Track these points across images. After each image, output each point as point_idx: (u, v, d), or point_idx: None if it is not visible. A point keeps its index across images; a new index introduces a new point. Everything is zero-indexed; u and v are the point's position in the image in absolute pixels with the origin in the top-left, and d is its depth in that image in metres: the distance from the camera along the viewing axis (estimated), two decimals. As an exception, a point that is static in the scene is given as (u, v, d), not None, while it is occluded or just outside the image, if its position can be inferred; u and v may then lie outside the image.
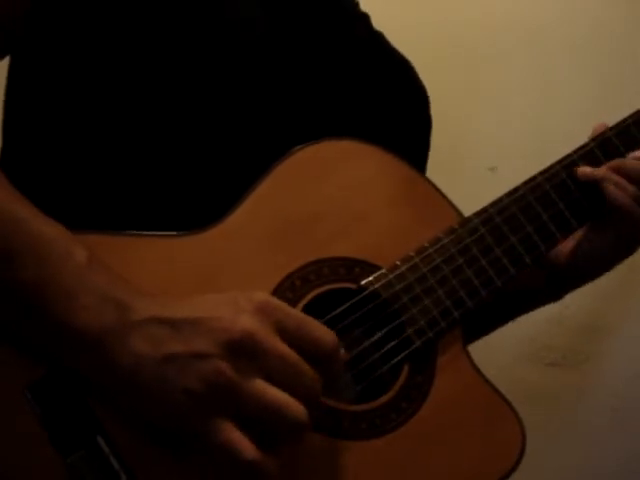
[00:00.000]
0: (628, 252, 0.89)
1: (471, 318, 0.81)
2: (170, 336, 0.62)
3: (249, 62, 0.80)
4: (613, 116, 0.89)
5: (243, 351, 0.62)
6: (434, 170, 0.95)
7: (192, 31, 0.78)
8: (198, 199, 0.77)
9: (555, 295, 0.98)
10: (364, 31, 0.95)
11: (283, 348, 0.63)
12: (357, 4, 0.97)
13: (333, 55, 0.87)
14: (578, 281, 0.94)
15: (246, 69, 0.80)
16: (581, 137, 0.90)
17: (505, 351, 1.53)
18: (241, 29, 0.81)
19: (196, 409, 0.61)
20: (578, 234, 0.88)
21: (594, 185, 0.85)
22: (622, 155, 0.87)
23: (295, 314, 0.66)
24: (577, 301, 1.54)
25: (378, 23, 0.98)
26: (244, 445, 0.61)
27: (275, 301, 0.65)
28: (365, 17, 0.97)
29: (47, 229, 0.64)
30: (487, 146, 1.55)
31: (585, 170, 0.85)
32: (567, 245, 0.89)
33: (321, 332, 0.66)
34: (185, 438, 0.64)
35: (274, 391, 0.62)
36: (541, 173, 0.85)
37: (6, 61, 0.83)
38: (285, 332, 0.64)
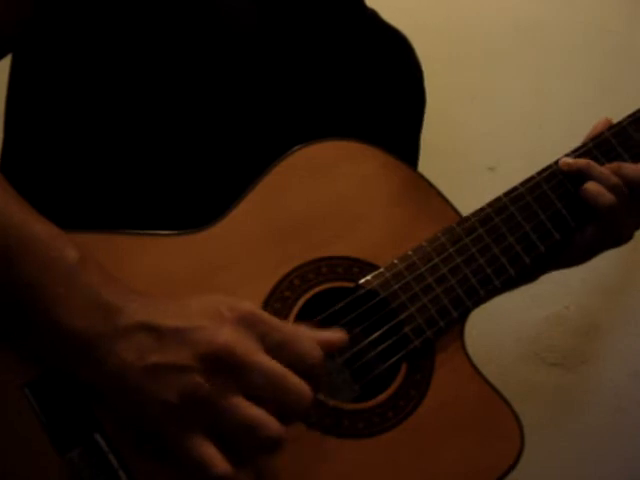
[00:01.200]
0: (614, 245, 0.89)
1: None
2: (153, 346, 0.62)
3: (247, 60, 0.80)
4: (613, 116, 0.89)
5: (222, 365, 0.61)
6: (434, 170, 0.95)
7: (190, 31, 0.78)
8: (197, 198, 0.77)
9: (532, 278, 0.97)
10: (358, 13, 0.94)
11: (265, 362, 0.62)
12: None
13: (328, 43, 0.87)
14: (561, 267, 0.94)
15: (244, 67, 0.80)
16: (581, 137, 0.90)
17: (506, 351, 1.53)
18: (240, 28, 0.81)
19: (171, 421, 0.61)
20: None
21: None
22: (620, 155, 0.87)
23: (280, 327, 0.64)
24: (577, 301, 1.54)
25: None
26: (215, 460, 0.61)
27: (260, 313, 0.64)
28: None
29: (39, 230, 0.64)
30: (486, 146, 1.54)
31: (567, 160, 0.85)
32: None
33: (306, 346, 0.64)
34: (165, 445, 0.63)
35: (249, 408, 0.61)
36: (539, 173, 0.85)
37: (7, 61, 0.83)
38: (269, 345, 0.63)
